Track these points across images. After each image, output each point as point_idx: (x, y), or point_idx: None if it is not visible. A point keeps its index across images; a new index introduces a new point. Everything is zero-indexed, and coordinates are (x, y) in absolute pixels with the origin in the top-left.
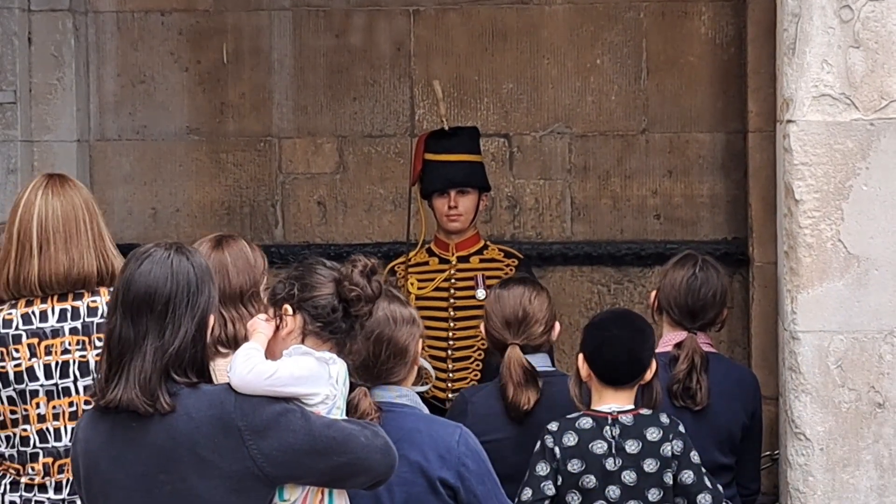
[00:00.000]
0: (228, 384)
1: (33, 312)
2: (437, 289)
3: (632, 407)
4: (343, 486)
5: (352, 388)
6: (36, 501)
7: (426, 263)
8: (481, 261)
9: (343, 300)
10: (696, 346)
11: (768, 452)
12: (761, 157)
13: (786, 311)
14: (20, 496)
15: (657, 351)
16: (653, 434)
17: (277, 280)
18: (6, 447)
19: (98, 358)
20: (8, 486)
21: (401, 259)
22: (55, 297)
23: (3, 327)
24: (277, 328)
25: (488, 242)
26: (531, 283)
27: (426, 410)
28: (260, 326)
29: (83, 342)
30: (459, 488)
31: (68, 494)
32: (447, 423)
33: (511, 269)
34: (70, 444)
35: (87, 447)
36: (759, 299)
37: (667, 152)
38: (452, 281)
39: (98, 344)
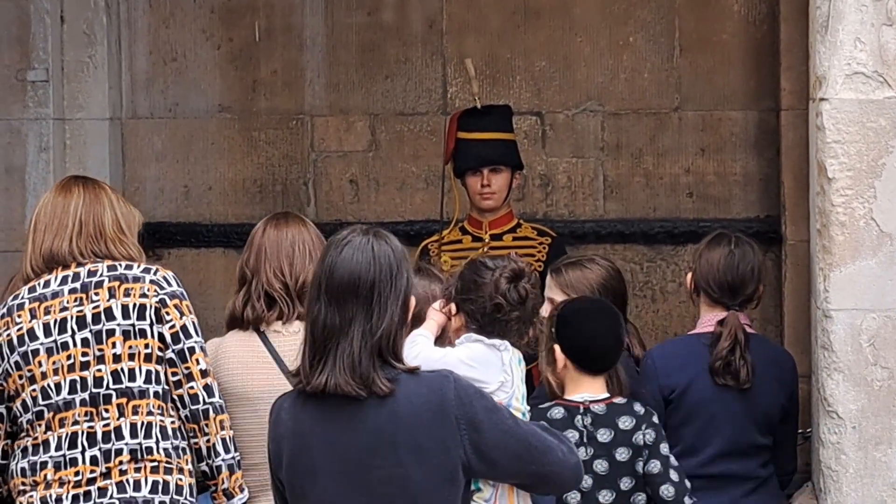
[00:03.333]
0: (448, 372)
1: (38, 283)
2: None
3: (605, 396)
4: (530, 491)
5: None
6: (41, 463)
7: (459, 241)
8: (514, 239)
9: (493, 304)
10: (738, 324)
11: (801, 431)
12: (794, 135)
13: (818, 290)
14: (27, 461)
15: (697, 332)
16: (625, 423)
17: (454, 274)
18: (24, 413)
19: (95, 310)
20: (20, 454)
21: (434, 237)
22: (60, 268)
23: (11, 300)
24: (449, 320)
25: (521, 221)
26: (603, 267)
27: None
28: (432, 314)
29: (80, 298)
30: None
31: (68, 449)
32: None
33: (544, 248)
34: (69, 395)
35: (295, 429)
36: (791, 277)
37: (699, 130)
38: None
39: (95, 299)
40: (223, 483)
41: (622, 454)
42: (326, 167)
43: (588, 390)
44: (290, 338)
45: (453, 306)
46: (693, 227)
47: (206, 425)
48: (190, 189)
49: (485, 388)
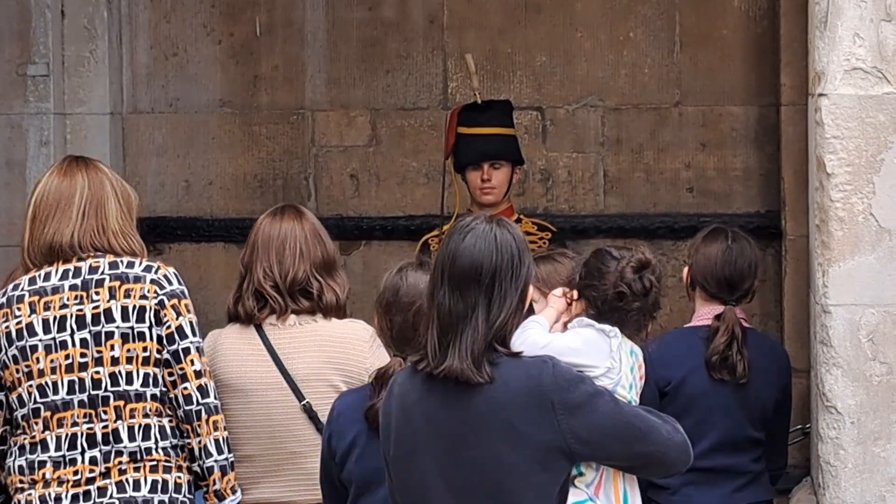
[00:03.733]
0: (547, 357)
1: (39, 275)
2: None
3: None
4: (637, 474)
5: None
6: (39, 462)
7: None
8: None
9: (616, 293)
10: (735, 319)
11: (799, 426)
12: (794, 130)
13: (817, 285)
14: (25, 459)
15: (694, 325)
16: None
17: (578, 261)
18: (19, 408)
19: (95, 311)
20: (17, 452)
21: (435, 232)
22: (61, 261)
23: (12, 290)
24: (569, 305)
25: (522, 216)
26: (569, 258)
27: None
28: (553, 300)
29: (81, 297)
30: None
31: (67, 450)
32: None
33: (545, 242)
34: (67, 396)
35: (403, 403)
36: (791, 273)
37: (700, 125)
38: None
39: (95, 298)
40: (215, 484)
41: None
42: (327, 162)
43: None
44: (286, 331)
45: (575, 292)
46: (693, 222)
47: (199, 426)
48: (191, 184)
49: (590, 372)
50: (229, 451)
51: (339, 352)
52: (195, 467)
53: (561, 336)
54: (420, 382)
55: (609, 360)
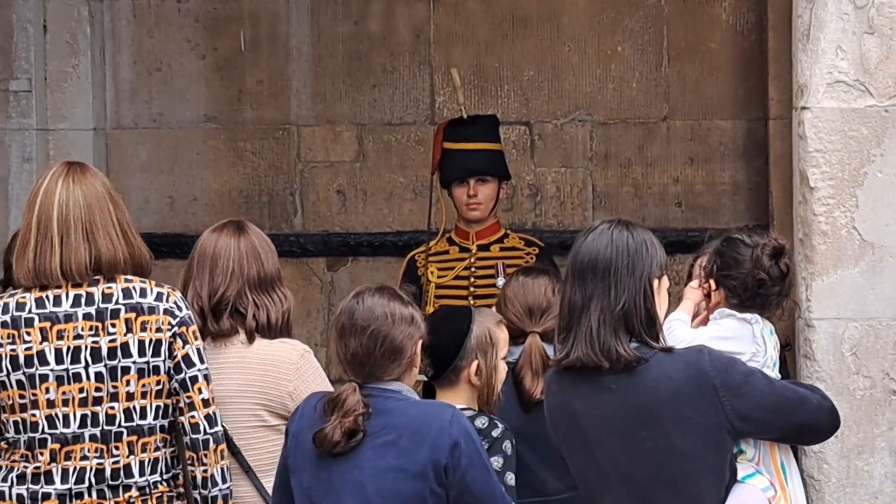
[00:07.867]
0: (701, 346)
1: (47, 297)
2: (458, 277)
3: (463, 408)
4: (792, 443)
5: (341, 383)
6: (43, 493)
7: (446, 252)
8: (502, 249)
9: (756, 280)
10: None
11: None
12: (782, 144)
13: (800, 299)
14: (27, 489)
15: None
16: None
17: (706, 250)
18: (15, 433)
19: (111, 344)
20: (15, 480)
21: (421, 248)
22: (70, 284)
23: (17, 310)
24: (708, 296)
25: (509, 231)
26: (554, 275)
27: None
28: (689, 293)
29: (96, 328)
30: (450, 468)
31: (74, 483)
32: (439, 403)
33: (532, 258)
34: (78, 430)
35: (565, 402)
36: None
37: (688, 140)
38: (473, 269)
39: (111, 330)
40: None
41: None
42: (313, 177)
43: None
44: (212, 353)
45: (712, 282)
46: (682, 236)
47: (205, 456)
48: (175, 200)
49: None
50: (231, 479)
51: (260, 375)
52: (196, 495)
53: (704, 329)
54: (576, 380)
55: (753, 345)
